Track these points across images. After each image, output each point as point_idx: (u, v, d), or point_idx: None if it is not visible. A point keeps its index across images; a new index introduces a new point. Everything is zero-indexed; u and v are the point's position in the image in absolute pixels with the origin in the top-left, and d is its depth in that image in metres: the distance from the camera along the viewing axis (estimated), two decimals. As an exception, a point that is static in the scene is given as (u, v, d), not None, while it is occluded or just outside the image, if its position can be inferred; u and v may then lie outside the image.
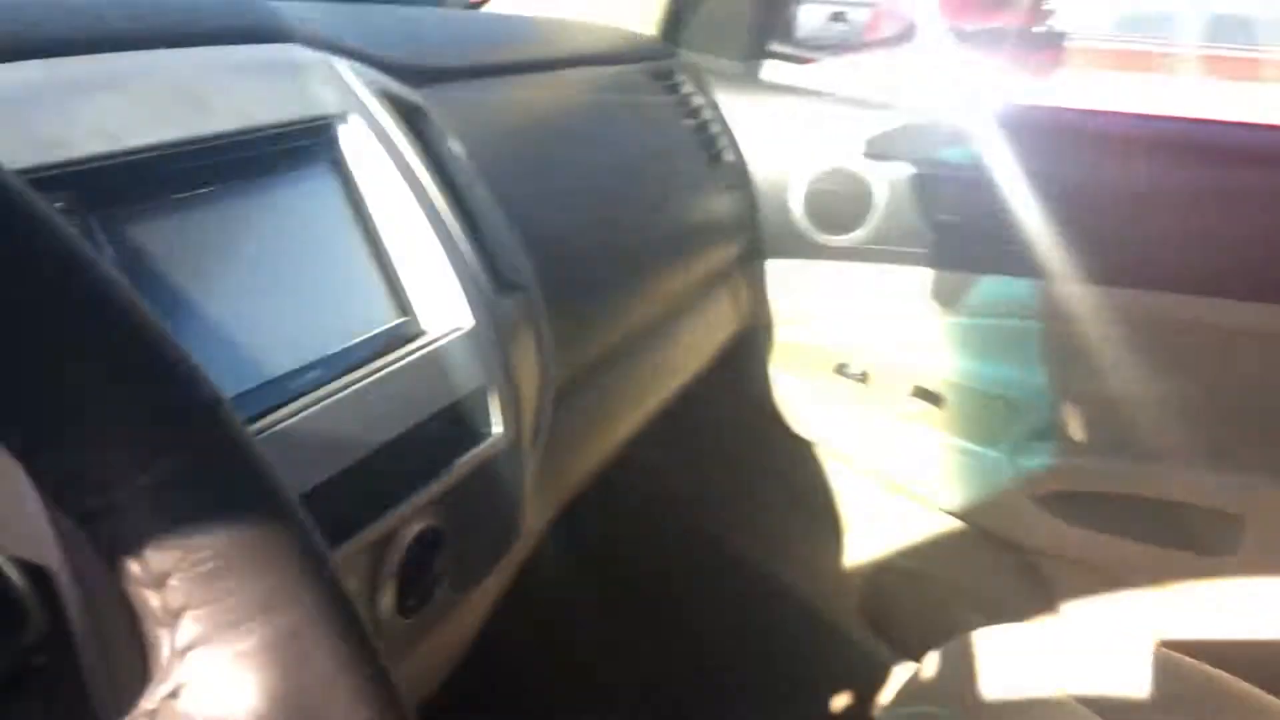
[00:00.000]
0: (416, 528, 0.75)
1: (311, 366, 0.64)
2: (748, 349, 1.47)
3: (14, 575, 0.39)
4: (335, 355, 0.66)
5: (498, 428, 0.77)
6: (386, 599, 0.71)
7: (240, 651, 0.30)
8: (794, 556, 1.56)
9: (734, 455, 1.57)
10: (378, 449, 0.66)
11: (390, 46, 0.91)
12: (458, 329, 0.74)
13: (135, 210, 0.57)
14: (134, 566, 0.30)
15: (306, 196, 0.68)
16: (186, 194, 0.60)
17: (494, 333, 0.77)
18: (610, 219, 1.09)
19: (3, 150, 0.52)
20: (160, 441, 0.30)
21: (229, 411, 0.32)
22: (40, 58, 0.59)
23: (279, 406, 0.61)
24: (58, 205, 0.53)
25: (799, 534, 1.55)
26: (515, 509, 0.82)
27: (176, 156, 0.60)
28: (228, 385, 0.59)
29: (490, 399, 0.76)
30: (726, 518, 1.59)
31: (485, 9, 1.43)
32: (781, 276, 1.44)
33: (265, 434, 0.59)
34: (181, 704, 0.30)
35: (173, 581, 0.30)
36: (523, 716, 1.55)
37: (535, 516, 0.98)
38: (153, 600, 0.30)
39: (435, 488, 0.71)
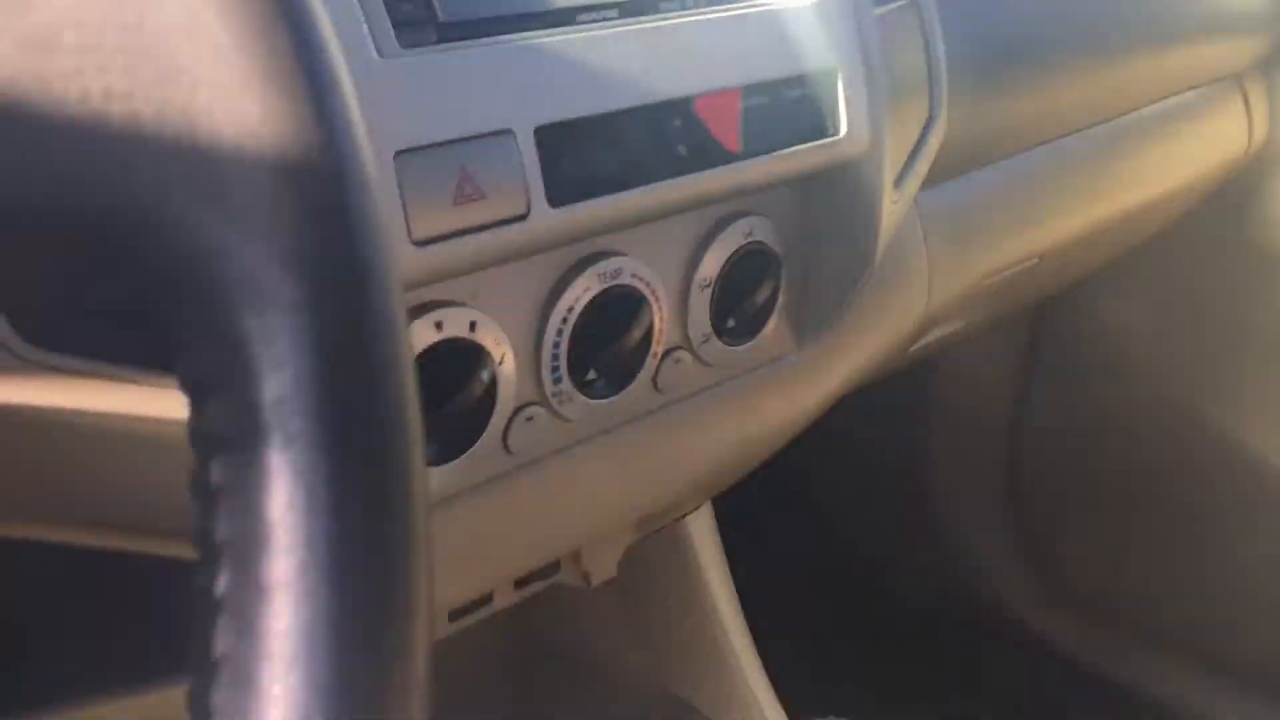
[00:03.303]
0: (739, 239, 0.65)
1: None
2: (1259, 182, 1.19)
3: None
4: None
5: (845, 126, 0.64)
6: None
7: None
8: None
9: (1211, 316, 1.27)
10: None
11: None
12: (805, -6, 0.62)
13: None
14: None
15: None
16: None
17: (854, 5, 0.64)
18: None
19: None
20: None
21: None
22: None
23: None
24: None
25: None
26: (869, 232, 0.68)
27: None
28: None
29: (839, 86, 0.63)
30: (1191, 392, 1.28)
31: None
32: None
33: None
34: None
35: None
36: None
37: (936, 292, 0.83)
38: None
39: (747, 174, 0.60)
